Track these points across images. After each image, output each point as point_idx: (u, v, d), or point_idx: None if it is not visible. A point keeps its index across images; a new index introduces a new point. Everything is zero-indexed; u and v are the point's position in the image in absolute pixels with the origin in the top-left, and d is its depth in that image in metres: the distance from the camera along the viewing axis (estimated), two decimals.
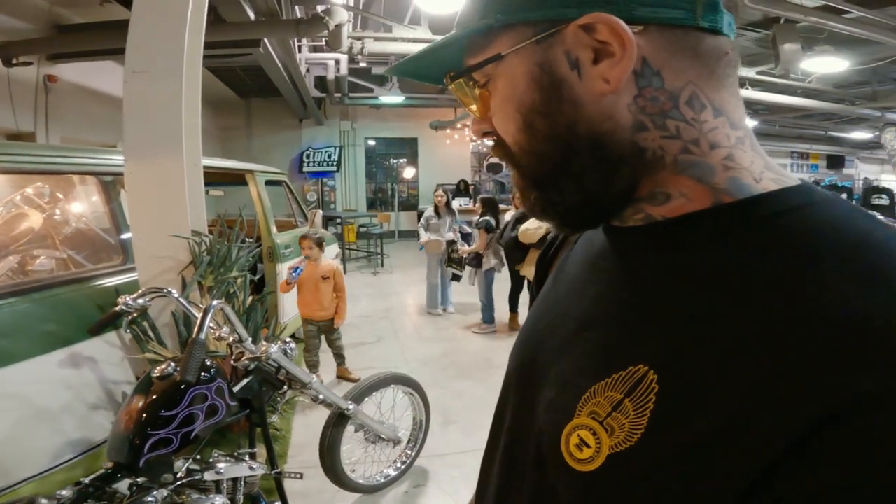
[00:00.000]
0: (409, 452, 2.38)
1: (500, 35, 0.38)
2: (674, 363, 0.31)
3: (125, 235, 2.48)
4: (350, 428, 2.05)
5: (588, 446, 0.34)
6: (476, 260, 4.64)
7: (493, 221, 4.60)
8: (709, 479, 0.28)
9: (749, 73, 6.21)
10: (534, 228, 3.86)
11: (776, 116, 10.20)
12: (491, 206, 4.77)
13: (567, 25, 0.35)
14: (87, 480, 1.22)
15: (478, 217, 4.75)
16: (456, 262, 4.90)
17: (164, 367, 1.36)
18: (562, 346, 0.41)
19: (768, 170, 0.36)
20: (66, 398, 1.93)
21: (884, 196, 9.56)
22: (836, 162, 15.38)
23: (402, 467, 2.35)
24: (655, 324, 0.34)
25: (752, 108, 8.94)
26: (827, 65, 5.54)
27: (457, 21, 0.42)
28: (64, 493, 1.19)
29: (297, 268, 3.32)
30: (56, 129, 5.05)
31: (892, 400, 0.23)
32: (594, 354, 0.37)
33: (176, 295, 1.66)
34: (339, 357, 3.57)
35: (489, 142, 0.44)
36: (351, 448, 2.14)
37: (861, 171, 15.57)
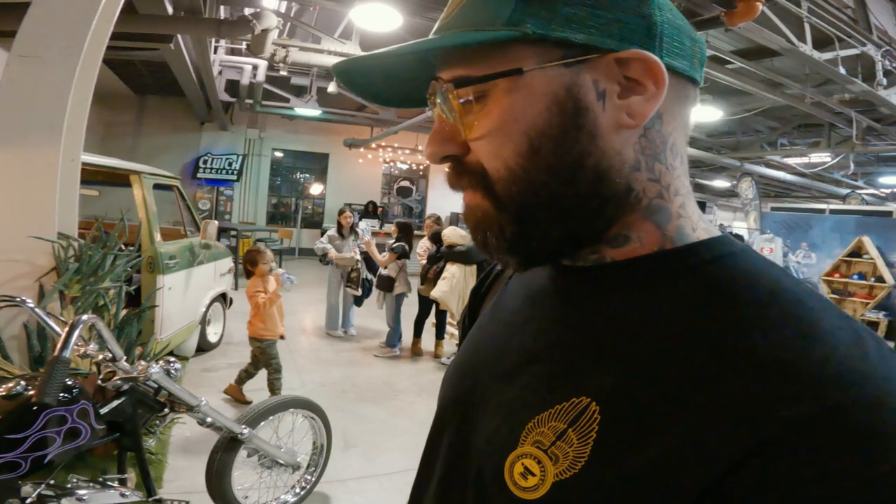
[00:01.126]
0: (309, 478, 2.24)
1: (522, 48, 0.35)
2: (613, 396, 0.33)
3: None
4: (243, 452, 1.88)
5: (533, 474, 0.34)
6: (387, 283, 4.57)
7: (406, 248, 4.57)
8: (649, 502, 0.29)
9: None
10: (460, 235, 4.10)
11: None
12: (407, 232, 4.73)
13: (603, 55, 0.34)
14: None
15: (392, 240, 4.69)
16: (354, 282, 4.80)
17: (11, 385, 1.16)
18: (503, 378, 0.41)
19: (701, 220, 0.39)
20: None
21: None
22: None
23: (302, 493, 2.21)
24: (596, 359, 0.36)
25: None
26: (704, 113, 6.06)
27: (451, 23, 0.37)
28: None
29: (289, 279, 3.29)
30: None
31: (810, 429, 0.26)
32: (538, 386, 0.38)
33: (31, 305, 1.47)
34: (250, 375, 3.30)
35: (443, 165, 0.40)
36: (243, 473, 1.96)
37: (717, 218, 18.01)
